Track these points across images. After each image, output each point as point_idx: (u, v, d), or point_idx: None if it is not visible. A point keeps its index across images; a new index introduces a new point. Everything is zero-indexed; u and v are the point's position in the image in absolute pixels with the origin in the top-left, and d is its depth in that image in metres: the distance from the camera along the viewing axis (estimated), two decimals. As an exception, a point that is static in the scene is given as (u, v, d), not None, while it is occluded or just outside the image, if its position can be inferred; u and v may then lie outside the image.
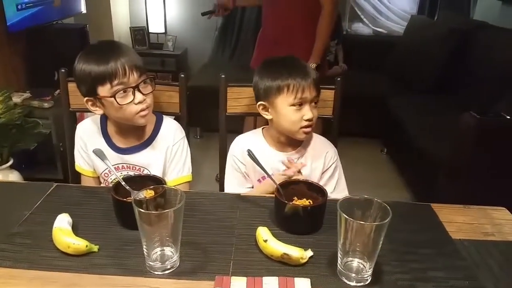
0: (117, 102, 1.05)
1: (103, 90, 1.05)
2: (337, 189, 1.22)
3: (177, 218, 0.74)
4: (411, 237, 0.92)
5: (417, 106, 2.87)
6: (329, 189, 1.16)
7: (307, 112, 1.10)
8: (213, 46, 3.84)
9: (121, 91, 1.05)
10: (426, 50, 3.08)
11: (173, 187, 0.81)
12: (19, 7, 2.38)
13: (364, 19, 3.73)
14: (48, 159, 2.32)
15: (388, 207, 0.74)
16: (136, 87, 1.07)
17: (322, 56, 2.07)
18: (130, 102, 1.06)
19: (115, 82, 1.03)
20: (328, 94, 1.35)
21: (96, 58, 1.04)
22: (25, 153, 2.21)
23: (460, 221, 1.00)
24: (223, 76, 1.33)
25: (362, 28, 3.74)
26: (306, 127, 1.12)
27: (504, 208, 1.06)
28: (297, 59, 1.17)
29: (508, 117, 1.99)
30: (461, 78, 2.88)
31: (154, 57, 3.73)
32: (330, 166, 1.21)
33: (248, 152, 1.06)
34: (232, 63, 3.75)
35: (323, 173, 1.21)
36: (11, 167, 2.06)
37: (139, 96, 1.07)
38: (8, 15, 2.30)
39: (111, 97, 1.04)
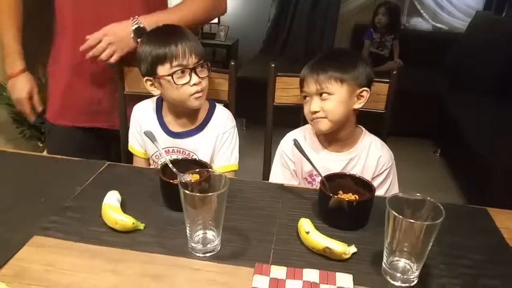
0: (174, 82, 1.08)
1: (162, 70, 1.09)
2: (388, 194, 1.17)
3: (220, 203, 0.74)
4: (464, 241, 0.86)
5: (475, 107, 2.71)
6: (379, 193, 1.12)
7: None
8: (265, 37, 3.83)
9: (179, 72, 1.08)
10: (490, 48, 2.89)
11: (218, 172, 0.81)
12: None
13: (424, 14, 3.56)
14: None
15: (441, 207, 0.70)
16: (193, 69, 1.10)
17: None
18: (187, 83, 1.09)
19: (174, 63, 1.08)
20: (382, 88, 1.30)
21: (158, 39, 1.10)
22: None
23: None
24: (272, 65, 1.32)
25: (421, 23, 3.58)
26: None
27: None
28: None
29: None
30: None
31: (205, 46, 3.72)
32: (383, 172, 1.17)
33: (294, 142, 1.04)
34: (283, 55, 3.73)
35: (375, 177, 1.17)
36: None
37: (195, 78, 1.10)
38: None
39: (169, 75, 1.08)
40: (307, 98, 1.12)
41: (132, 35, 1.20)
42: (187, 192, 0.73)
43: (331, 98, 1.08)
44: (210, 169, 0.88)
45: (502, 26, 2.96)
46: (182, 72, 1.09)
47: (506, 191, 1.86)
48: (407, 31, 3.50)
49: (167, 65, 1.08)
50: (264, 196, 0.99)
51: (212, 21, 3.82)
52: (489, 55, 2.88)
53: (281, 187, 1.04)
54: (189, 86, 1.10)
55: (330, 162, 1.14)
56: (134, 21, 1.20)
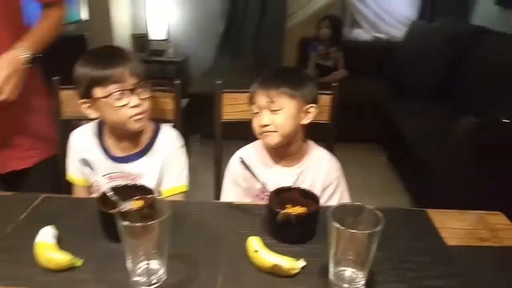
0: (112, 104, 1.05)
1: (100, 92, 1.05)
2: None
3: (163, 230, 0.72)
4: (406, 245, 0.89)
5: (416, 112, 2.85)
6: (332, 204, 1.14)
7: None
8: (215, 52, 3.84)
9: (117, 94, 1.05)
10: (426, 55, 3.06)
11: (162, 198, 0.79)
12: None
13: (364, 25, 3.72)
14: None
15: (380, 214, 0.72)
16: (132, 91, 1.07)
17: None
18: (125, 105, 1.06)
19: (112, 84, 1.04)
20: (325, 100, 1.33)
21: (95, 60, 1.06)
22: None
23: (456, 226, 0.98)
24: (218, 82, 1.31)
25: (362, 34, 3.73)
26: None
27: (500, 213, 1.04)
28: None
29: (507, 120, 1.97)
30: (460, 83, 2.85)
31: (154, 64, 3.73)
32: (331, 182, 1.19)
33: (241, 161, 1.04)
34: (234, 70, 3.74)
35: (325, 188, 1.18)
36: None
37: (134, 100, 1.07)
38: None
39: (106, 97, 1.04)
40: (257, 112, 1.13)
41: (23, 65, 1.15)
42: (124, 223, 0.70)
43: (281, 112, 1.09)
44: (153, 195, 0.86)
45: (435, 33, 3.14)
46: (121, 94, 1.06)
47: (447, 189, 1.95)
48: (350, 43, 3.63)
49: (104, 87, 1.05)
50: (212, 217, 0.97)
51: (161, 38, 3.78)
52: (424, 62, 3.04)
53: (229, 205, 1.03)
54: (128, 108, 1.07)
55: (281, 177, 1.15)
56: (20, 51, 1.16)
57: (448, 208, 1.06)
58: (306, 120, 1.14)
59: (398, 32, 3.62)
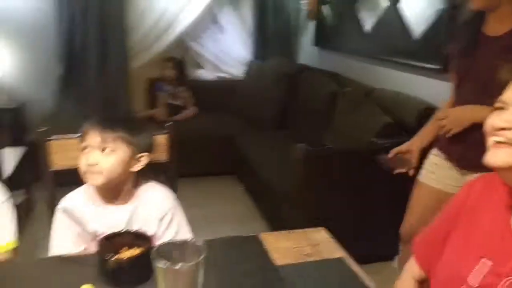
0: None
1: None
2: (179, 234, 1.22)
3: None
4: (239, 269, 0.97)
5: (260, 142, 3.13)
6: (170, 235, 1.17)
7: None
8: (56, 97, 3.59)
9: None
10: (263, 91, 3.43)
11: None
12: None
13: (207, 65, 3.96)
14: None
15: (201, 246, 0.78)
16: None
17: None
18: None
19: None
20: (161, 140, 1.38)
21: None
22: None
23: (285, 246, 1.08)
24: (39, 130, 1.26)
25: (206, 74, 3.96)
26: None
27: (322, 228, 1.18)
28: None
29: (330, 146, 2.32)
30: (294, 114, 3.27)
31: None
32: (167, 213, 1.21)
33: (61, 208, 1.02)
34: (77, 114, 3.54)
35: (161, 219, 1.20)
36: None
37: None
38: None
39: None
40: (87, 150, 1.11)
41: None
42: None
43: (113, 156, 1.10)
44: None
45: (268, 71, 3.56)
46: None
47: (292, 214, 2.17)
48: (195, 82, 3.81)
49: None
50: (44, 274, 0.91)
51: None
52: (262, 97, 3.41)
53: (59, 259, 0.98)
54: None
55: (114, 215, 1.14)
56: None
57: (295, 228, 1.17)
58: (136, 168, 1.16)
59: (237, 71, 3.95)
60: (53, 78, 3.54)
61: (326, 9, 3.59)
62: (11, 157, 2.60)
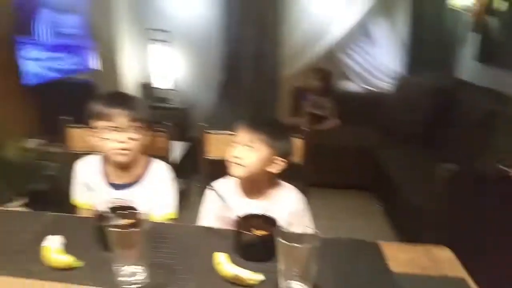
0: (101, 136, 1.28)
1: (98, 125, 1.30)
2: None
3: (144, 241, 0.90)
4: (353, 269, 1.04)
5: (402, 159, 3.04)
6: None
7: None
8: (216, 100, 4.12)
9: (108, 128, 1.28)
10: (411, 106, 3.31)
11: (144, 214, 0.96)
12: (39, 63, 2.68)
13: (353, 77, 3.99)
14: (57, 199, 2.49)
15: (318, 233, 0.89)
16: (120, 129, 1.28)
17: None
18: (112, 139, 1.28)
19: (106, 121, 1.28)
20: (297, 144, 1.49)
21: (102, 100, 1.31)
22: (38, 193, 2.41)
23: (405, 257, 1.10)
24: (201, 124, 1.54)
25: (351, 85, 3.99)
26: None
27: (446, 248, 1.16)
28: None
29: (482, 168, 2.14)
30: (442, 131, 3.07)
31: (160, 110, 4.00)
32: (297, 214, 1.33)
33: (211, 187, 1.24)
34: (233, 114, 4.01)
35: (291, 219, 1.31)
36: (26, 205, 2.26)
37: (118, 136, 1.29)
38: (28, 70, 2.59)
39: (99, 129, 1.29)
40: (235, 145, 1.30)
41: None
42: (111, 229, 0.87)
43: (255, 153, 1.27)
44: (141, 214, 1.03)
45: (420, 86, 3.40)
46: (110, 129, 1.28)
47: (434, 234, 2.06)
48: (342, 93, 3.90)
49: (101, 122, 1.29)
50: (190, 237, 1.15)
51: (166, 87, 4.08)
52: (410, 112, 3.30)
53: (205, 228, 1.20)
54: (114, 142, 1.29)
55: (249, 208, 1.29)
56: None
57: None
58: (272, 169, 1.31)
59: (385, 84, 3.88)
60: (215, 83, 4.08)
61: (494, 21, 3.26)
62: (178, 149, 3.11)
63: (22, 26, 2.58)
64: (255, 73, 3.94)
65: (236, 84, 4.03)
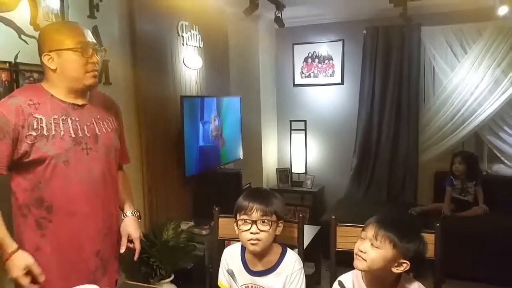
0: (239, 228, 1.49)
1: (238, 216, 1.52)
2: None
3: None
4: None
5: None
6: None
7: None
8: (348, 184, 4.17)
9: (243, 221, 1.48)
10: None
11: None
12: (195, 157, 3.19)
13: (505, 160, 3.64)
14: (200, 278, 2.79)
15: None
16: (254, 222, 1.46)
17: None
18: (245, 230, 1.47)
19: (243, 215, 1.49)
20: (429, 238, 1.46)
21: (245, 196, 1.54)
22: (183, 271, 2.71)
23: None
24: (333, 217, 1.64)
25: (504, 169, 3.62)
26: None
27: None
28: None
29: None
30: None
31: (295, 193, 4.25)
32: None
33: (339, 283, 1.29)
34: (366, 199, 3.98)
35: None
36: (172, 282, 2.59)
37: (252, 228, 1.46)
38: (187, 163, 3.10)
39: (235, 221, 1.52)
40: (363, 238, 1.33)
41: None
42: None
43: (377, 251, 1.28)
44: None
45: None
46: (245, 221, 1.48)
47: None
48: (490, 177, 3.56)
49: (240, 215, 1.50)
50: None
51: (301, 171, 4.34)
52: None
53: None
54: (247, 233, 1.47)
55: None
56: (135, 212, 1.76)
57: None
58: (395, 269, 1.27)
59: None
60: (348, 169, 4.18)
61: None
62: (309, 233, 3.19)
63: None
64: (391, 159, 3.93)
65: (371, 169, 4.05)
